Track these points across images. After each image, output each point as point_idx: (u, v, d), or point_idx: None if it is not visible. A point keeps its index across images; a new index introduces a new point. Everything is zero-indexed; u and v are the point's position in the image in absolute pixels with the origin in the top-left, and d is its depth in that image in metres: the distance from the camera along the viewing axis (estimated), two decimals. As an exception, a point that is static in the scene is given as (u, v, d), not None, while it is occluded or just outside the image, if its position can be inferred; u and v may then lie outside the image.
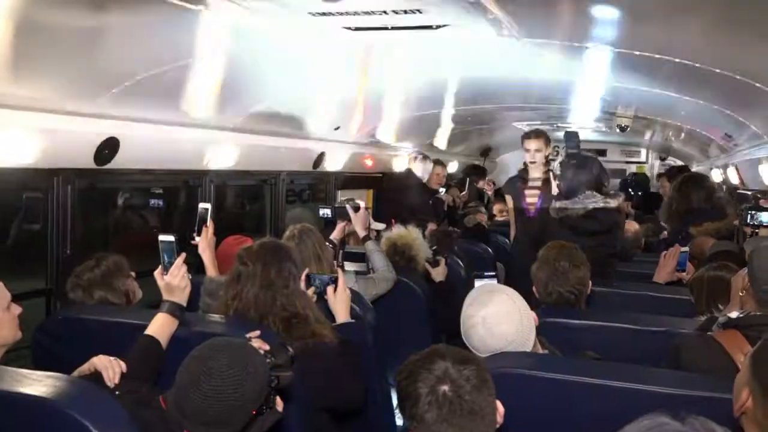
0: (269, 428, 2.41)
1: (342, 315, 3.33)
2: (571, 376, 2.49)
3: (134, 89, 3.37)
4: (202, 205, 3.51)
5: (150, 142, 3.96)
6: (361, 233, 4.50)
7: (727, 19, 2.79)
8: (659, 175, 9.18)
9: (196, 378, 2.09)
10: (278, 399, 2.35)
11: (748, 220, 3.95)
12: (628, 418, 1.42)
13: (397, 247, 4.83)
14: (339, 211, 4.57)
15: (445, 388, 1.82)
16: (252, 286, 3.08)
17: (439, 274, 5.02)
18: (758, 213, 3.96)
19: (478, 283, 4.26)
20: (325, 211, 4.66)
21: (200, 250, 3.54)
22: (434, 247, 5.11)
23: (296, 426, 2.82)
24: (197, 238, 3.53)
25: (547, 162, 5.78)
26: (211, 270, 3.47)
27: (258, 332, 2.62)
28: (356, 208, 4.51)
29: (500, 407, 1.92)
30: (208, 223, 3.42)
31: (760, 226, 3.88)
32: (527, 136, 5.84)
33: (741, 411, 1.81)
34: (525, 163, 5.89)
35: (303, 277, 3.27)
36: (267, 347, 2.43)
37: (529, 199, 5.83)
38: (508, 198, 6.07)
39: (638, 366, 2.65)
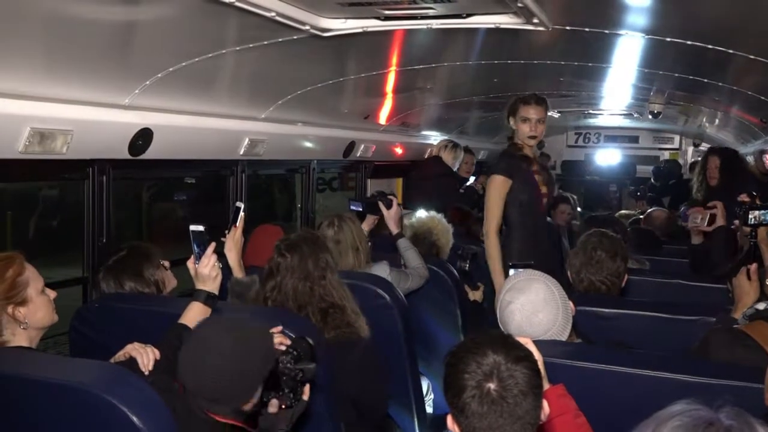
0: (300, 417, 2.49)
1: (395, 227, 4.25)
2: (601, 365, 2.49)
3: (167, 81, 3.40)
4: (237, 204, 3.37)
5: (183, 132, 4.01)
6: (394, 230, 4.41)
7: (761, 4, 2.75)
8: (693, 164, 8.98)
9: (197, 356, 2.17)
10: (305, 389, 2.42)
11: (750, 221, 3.75)
12: (658, 407, 1.41)
13: (417, 235, 4.78)
14: (370, 206, 4.46)
15: (492, 386, 1.77)
16: (290, 278, 3.14)
17: (476, 296, 4.97)
18: (757, 211, 3.77)
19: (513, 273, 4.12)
20: (356, 205, 4.55)
21: (226, 250, 3.41)
22: (462, 257, 4.97)
23: (326, 414, 2.86)
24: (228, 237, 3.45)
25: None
26: (237, 271, 3.39)
27: (280, 327, 2.65)
28: (389, 205, 4.39)
29: (546, 408, 1.88)
30: (237, 224, 3.29)
31: (761, 224, 3.73)
32: (525, 101, 4.48)
33: None
34: (516, 141, 4.58)
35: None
36: (288, 342, 2.49)
37: (541, 188, 4.56)
38: (505, 182, 4.47)
39: (668, 355, 2.65)
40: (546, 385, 1.97)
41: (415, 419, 3.84)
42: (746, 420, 1.33)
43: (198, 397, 2.18)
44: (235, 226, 3.26)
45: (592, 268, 3.37)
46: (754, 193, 4.02)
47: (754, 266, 3.20)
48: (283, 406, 2.41)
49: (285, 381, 2.40)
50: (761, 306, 2.65)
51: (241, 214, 3.24)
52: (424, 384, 4.18)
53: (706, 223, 4.46)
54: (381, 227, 4.71)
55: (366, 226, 4.48)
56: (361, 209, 4.46)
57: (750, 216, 3.71)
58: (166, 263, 3.42)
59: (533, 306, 2.59)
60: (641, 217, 6.95)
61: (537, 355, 1.95)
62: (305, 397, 2.43)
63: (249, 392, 2.24)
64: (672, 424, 1.34)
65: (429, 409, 4.21)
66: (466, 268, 4.87)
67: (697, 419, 1.32)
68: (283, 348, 2.44)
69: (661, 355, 2.69)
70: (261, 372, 2.25)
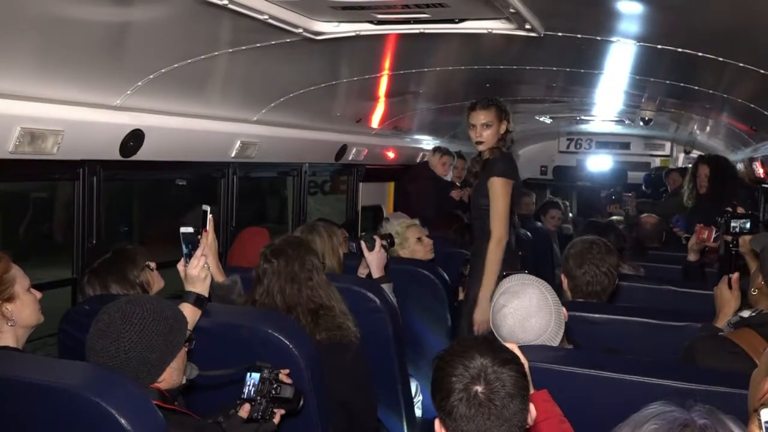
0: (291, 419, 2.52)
1: (376, 271, 3.91)
2: (592, 370, 2.50)
3: (159, 82, 3.40)
4: (203, 207, 3.16)
5: (174, 134, 4.00)
6: (375, 274, 4.08)
7: (751, 12, 2.76)
8: (669, 171, 8.99)
9: (90, 343, 2.28)
10: (278, 413, 2.56)
11: (731, 229, 3.75)
12: (646, 412, 1.42)
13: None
14: (358, 247, 4.18)
15: (479, 388, 1.79)
16: (277, 281, 3.17)
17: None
18: (740, 221, 3.78)
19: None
20: (352, 248, 4.35)
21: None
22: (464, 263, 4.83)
23: (316, 418, 2.86)
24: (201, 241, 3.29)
25: (504, 141, 4.41)
26: (216, 275, 3.26)
27: (287, 370, 2.67)
28: (371, 246, 4.08)
29: (533, 411, 1.90)
30: (208, 227, 3.08)
31: (742, 233, 3.74)
32: (471, 107, 4.44)
33: (761, 402, 1.81)
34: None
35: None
36: (289, 381, 2.60)
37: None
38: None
39: (657, 361, 2.66)
40: (531, 390, 1.98)
41: (404, 422, 3.83)
42: (718, 417, 1.37)
43: None
44: (206, 230, 3.08)
45: (595, 259, 3.39)
46: (735, 202, 4.04)
47: (736, 276, 3.20)
48: (251, 416, 2.51)
49: (261, 390, 2.51)
50: (746, 314, 2.67)
51: (209, 216, 3.09)
52: (413, 385, 4.18)
53: (712, 239, 4.48)
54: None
55: (362, 269, 4.24)
56: (355, 249, 4.23)
57: (732, 224, 3.72)
58: (152, 264, 3.42)
59: (526, 311, 2.60)
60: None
61: (523, 360, 1.96)
62: (276, 420, 2.54)
63: (157, 370, 2.29)
64: (648, 428, 1.36)
65: (418, 412, 4.21)
66: (466, 273, 4.85)
67: (672, 421, 1.35)
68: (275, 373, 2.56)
69: (652, 361, 2.70)
70: (165, 348, 2.31)
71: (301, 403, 2.64)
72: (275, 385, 2.53)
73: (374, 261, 4.07)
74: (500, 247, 4.17)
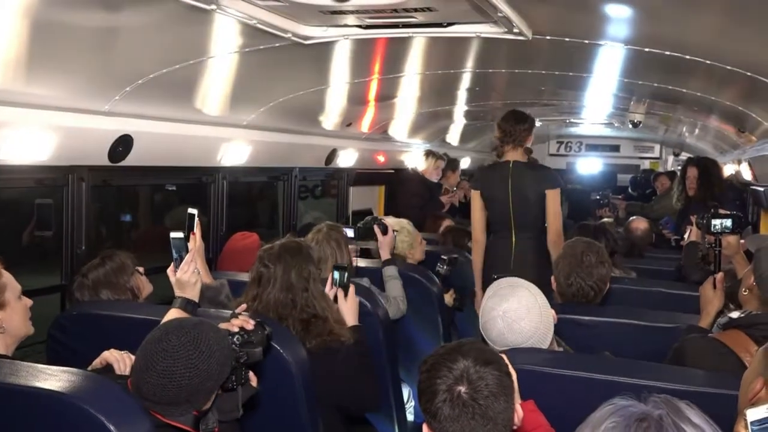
0: (281, 415, 2.47)
1: (351, 320, 3.31)
2: (583, 373, 2.50)
3: (148, 87, 3.39)
4: (189, 211, 3.17)
5: (163, 139, 3.99)
6: (386, 256, 4.42)
7: (738, 16, 2.78)
8: (657, 175, 9.01)
9: (150, 360, 2.15)
10: (252, 374, 2.43)
11: (712, 228, 3.76)
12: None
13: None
14: (364, 232, 4.46)
15: (462, 389, 1.80)
16: (272, 289, 3.11)
17: (448, 299, 4.92)
18: (721, 220, 3.77)
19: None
20: (347, 231, 4.42)
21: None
22: (441, 261, 4.92)
23: (308, 425, 2.84)
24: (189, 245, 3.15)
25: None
26: (205, 277, 3.29)
27: (245, 305, 2.68)
28: (384, 230, 4.44)
29: (519, 411, 1.90)
30: (195, 230, 3.09)
31: (724, 233, 3.74)
32: None
33: (752, 402, 1.81)
34: None
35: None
36: (250, 326, 2.51)
37: None
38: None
39: (648, 363, 2.66)
40: (518, 398, 1.98)
41: (396, 427, 3.83)
42: (673, 405, 1.37)
43: (148, 401, 2.15)
44: (193, 233, 3.08)
45: (583, 273, 3.38)
46: (717, 204, 4.04)
47: (720, 276, 3.21)
48: (226, 387, 2.38)
49: None
50: (735, 314, 2.67)
51: (196, 219, 3.09)
52: (405, 391, 4.17)
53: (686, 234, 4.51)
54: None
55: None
56: (352, 236, 4.32)
57: (713, 223, 3.72)
58: (141, 269, 3.41)
59: (515, 313, 2.59)
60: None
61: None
62: (253, 383, 2.43)
63: (207, 397, 2.25)
64: (607, 426, 1.36)
65: (410, 417, 4.20)
66: (441, 272, 4.88)
67: (629, 417, 1.36)
68: (236, 329, 2.46)
69: (643, 363, 2.70)
70: (219, 377, 2.26)
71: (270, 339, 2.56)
72: (240, 353, 2.39)
73: (387, 243, 4.44)
74: (475, 247, 4.83)
